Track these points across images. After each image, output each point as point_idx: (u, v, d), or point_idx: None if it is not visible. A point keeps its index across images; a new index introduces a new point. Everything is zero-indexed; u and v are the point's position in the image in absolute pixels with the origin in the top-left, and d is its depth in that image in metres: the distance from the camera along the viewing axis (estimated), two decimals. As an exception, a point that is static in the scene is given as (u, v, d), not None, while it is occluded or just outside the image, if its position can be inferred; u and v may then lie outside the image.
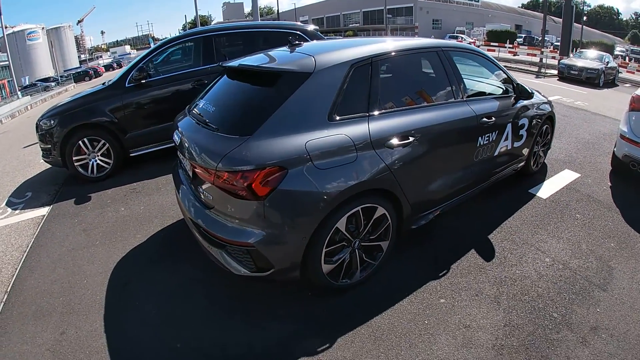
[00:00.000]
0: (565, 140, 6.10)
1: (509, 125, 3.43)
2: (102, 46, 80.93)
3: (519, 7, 68.40)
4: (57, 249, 3.11)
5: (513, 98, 3.52)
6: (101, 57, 59.41)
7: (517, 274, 2.82)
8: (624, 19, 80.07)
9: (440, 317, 2.34)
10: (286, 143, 1.98)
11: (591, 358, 2.16)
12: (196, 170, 2.20)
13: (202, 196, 2.21)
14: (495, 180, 3.65)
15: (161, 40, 5.05)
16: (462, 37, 34.26)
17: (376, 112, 2.34)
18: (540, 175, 4.59)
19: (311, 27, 5.59)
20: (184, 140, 2.36)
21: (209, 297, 2.50)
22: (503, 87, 3.53)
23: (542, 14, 57.58)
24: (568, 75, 14.97)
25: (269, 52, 2.81)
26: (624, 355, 2.19)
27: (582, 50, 18.23)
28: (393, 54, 2.56)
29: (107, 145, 4.34)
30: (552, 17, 57.34)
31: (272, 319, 2.29)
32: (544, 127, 4.25)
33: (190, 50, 4.99)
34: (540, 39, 38.24)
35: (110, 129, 4.30)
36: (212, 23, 69.73)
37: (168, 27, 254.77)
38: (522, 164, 4.04)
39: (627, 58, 25.49)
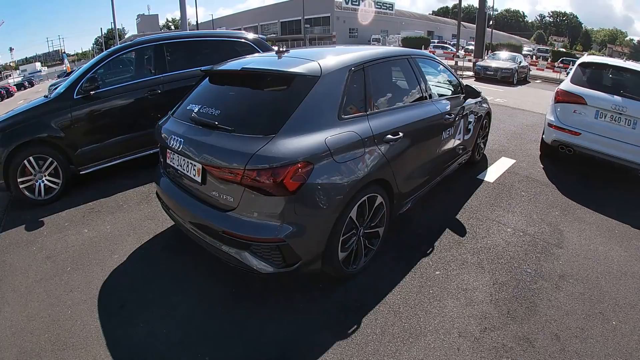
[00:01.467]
0: (495, 132, 7.12)
1: (462, 121, 4.07)
2: (11, 64, 71.77)
3: (429, 14, 76.05)
4: (22, 282, 2.82)
5: (462, 97, 4.16)
6: (10, 75, 52.80)
7: (489, 243, 3.34)
8: (529, 20, 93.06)
9: (441, 285, 2.72)
10: (309, 140, 2.19)
11: (567, 298, 2.71)
12: (212, 172, 2.24)
13: (220, 198, 2.25)
14: (452, 170, 4.24)
15: (111, 48, 4.84)
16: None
17: (372, 112, 2.70)
18: (482, 164, 5.36)
19: (253, 36, 5.84)
20: (188, 144, 2.39)
21: (222, 305, 2.51)
22: (453, 88, 4.16)
23: (452, 20, 64.51)
24: (484, 76, 17.11)
25: (259, 58, 3.07)
26: (591, 292, 2.79)
27: (495, 52, 20.94)
28: (378, 60, 2.93)
29: (56, 163, 4.03)
30: (463, 23, 64.62)
31: (294, 314, 2.42)
32: (484, 122, 5.02)
33: (141, 59, 4.89)
34: (452, 43, 43.01)
35: (59, 145, 4.03)
36: (126, 36, 65.91)
37: (81, 42, 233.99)
38: (469, 154, 4.72)
39: (534, 57, 29.73)
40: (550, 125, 5.16)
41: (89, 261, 3.06)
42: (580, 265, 3.13)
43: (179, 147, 2.45)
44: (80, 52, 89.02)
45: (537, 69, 22.73)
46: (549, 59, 33.98)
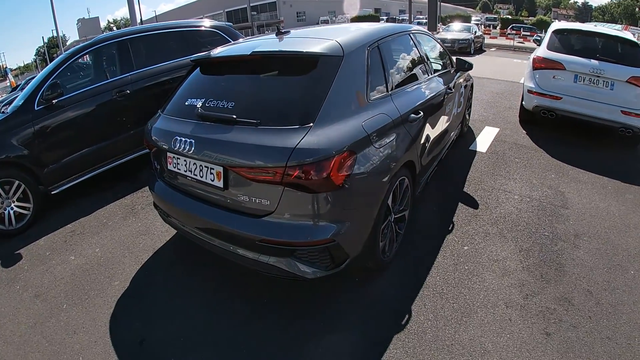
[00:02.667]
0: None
1: (457, 94, 4.21)
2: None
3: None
4: (13, 330, 2.46)
5: (453, 70, 4.30)
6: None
7: (502, 212, 3.53)
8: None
9: (473, 260, 2.86)
10: (348, 126, 2.07)
11: (587, 255, 2.94)
12: (242, 174, 2.03)
13: (251, 203, 2.06)
14: (452, 144, 4.40)
15: (68, 51, 4.43)
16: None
17: (393, 91, 2.67)
18: (470, 135, 5.60)
19: (221, 24, 5.66)
20: (202, 146, 2.16)
21: (268, 324, 2.32)
22: (447, 61, 4.29)
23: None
24: (442, 48, 17.59)
25: (260, 41, 2.82)
26: (605, 247, 3.05)
27: (449, 24, 21.61)
28: (388, 36, 2.87)
29: (23, 186, 3.64)
30: (407, -2, 65.76)
31: (343, 316, 2.35)
32: (469, 93, 5.23)
33: (104, 59, 4.56)
34: (399, 18, 43.89)
35: (24, 165, 3.67)
36: (68, 43, 61.27)
37: (22, 54, 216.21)
38: (459, 127, 4.91)
39: (483, 26, 30.93)
40: (530, 92, 5.46)
41: (87, 293, 2.73)
42: (588, 223, 3.39)
43: (189, 150, 2.19)
44: (23, 64, 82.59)
45: (490, 37, 23.67)
46: (498, 27, 35.49)
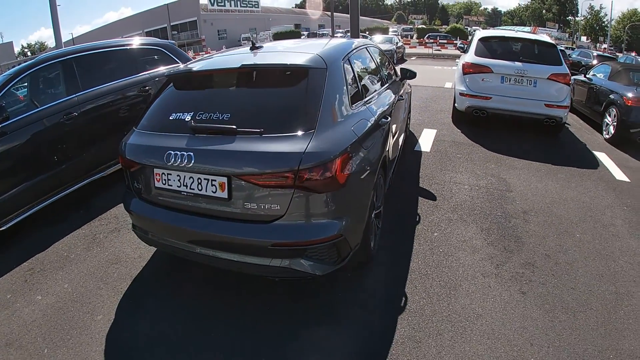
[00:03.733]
0: (410, 107, 8.08)
1: (404, 101, 4.67)
2: None
3: (292, 7, 79.06)
4: None
5: (399, 79, 4.76)
6: None
7: (458, 200, 3.97)
8: (389, 3, 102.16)
9: (445, 243, 3.20)
10: (342, 130, 2.30)
11: (537, 227, 3.46)
12: (252, 181, 2.12)
13: (260, 209, 2.14)
14: (402, 145, 4.82)
15: (8, 72, 4.06)
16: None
17: (366, 99, 2.94)
18: (412, 137, 6.13)
19: (164, 42, 5.61)
20: (205, 158, 2.20)
21: (286, 333, 2.34)
22: (393, 71, 4.72)
23: (316, 11, 68.01)
24: (367, 60, 18.71)
25: (240, 56, 2.91)
26: (551, 219, 3.60)
27: (371, 37, 22.99)
28: (353, 50, 3.15)
29: None
30: (326, 12, 68.76)
31: (346, 308, 2.50)
32: (409, 100, 5.77)
33: (48, 79, 4.30)
34: (320, 33, 45.80)
35: None
36: None
37: None
38: (405, 130, 5.38)
39: (401, 37, 33.28)
40: (462, 94, 6.14)
41: (68, 333, 2.50)
42: (532, 201, 3.96)
43: (187, 164, 2.21)
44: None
45: (410, 47, 25.61)
46: (414, 37, 38.50)
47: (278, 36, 41.06)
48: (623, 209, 3.91)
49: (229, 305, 2.59)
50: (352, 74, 2.88)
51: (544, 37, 6.57)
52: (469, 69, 6.02)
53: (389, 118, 3.20)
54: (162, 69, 5.01)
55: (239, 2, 48.64)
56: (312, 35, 44.39)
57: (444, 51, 26.26)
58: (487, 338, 2.22)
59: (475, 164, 4.98)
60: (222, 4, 46.78)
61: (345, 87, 2.58)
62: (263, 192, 2.13)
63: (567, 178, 4.62)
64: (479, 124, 6.59)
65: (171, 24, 40.90)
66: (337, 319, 2.40)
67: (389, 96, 3.64)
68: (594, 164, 5.20)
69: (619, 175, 4.81)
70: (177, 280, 2.91)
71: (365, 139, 2.52)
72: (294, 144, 2.10)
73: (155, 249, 3.21)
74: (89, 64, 4.45)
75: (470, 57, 6.15)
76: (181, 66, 2.92)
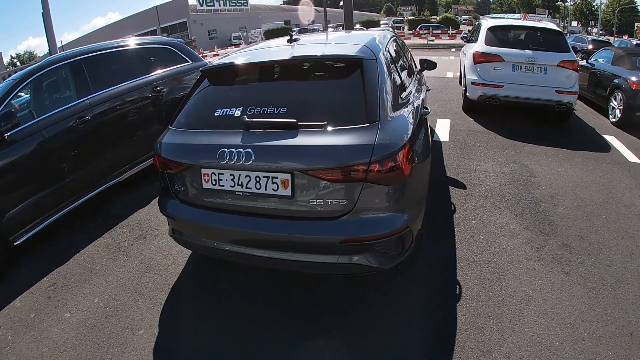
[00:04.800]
0: (419, 99, 8.23)
1: (425, 91, 4.82)
2: None
3: (281, 4, 78.71)
4: None
5: (419, 70, 4.89)
6: None
7: (487, 188, 4.14)
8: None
9: (484, 230, 3.37)
10: (401, 121, 2.27)
11: (566, 210, 3.65)
12: (320, 176, 2.06)
13: (327, 205, 2.10)
14: None
15: (14, 75, 3.79)
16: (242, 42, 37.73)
17: (407, 90, 2.91)
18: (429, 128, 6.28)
19: (174, 40, 5.53)
20: (266, 154, 2.13)
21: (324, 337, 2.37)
22: (414, 62, 4.87)
23: (306, 7, 67.72)
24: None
25: (278, 46, 2.91)
26: (577, 202, 3.79)
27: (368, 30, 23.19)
28: (388, 42, 3.11)
29: None
30: (316, 8, 68.61)
31: (409, 308, 2.60)
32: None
33: (58, 83, 4.14)
34: (311, 28, 45.83)
35: None
36: None
37: None
38: None
39: (393, 28, 33.45)
40: (473, 83, 6.29)
41: (108, 352, 2.34)
42: (556, 186, 4.14)
43: (246, 161, 2.12)
44: None
45: (404, 38, 25.68)
46: (406, 28, 38.58)
47: (269, 33, 40.96)
48: (641, 189, 4.11)
49: (272, 308, 2.57)
50: (392, 65, 2.84)
51: (551, 25, 6.74)
52: (480, 58, 6.17)
53: (429, 109, 3.31)
54: (173, 68, 4.99)
55: (228, 2, 48.44)
56: (303, 30, 44.42)
57: (437, 41, 26.37)
58: (543, 318, 2.39)
59: (495, 152, 5.16)
60: (212, 4, 46.58)
61: (391, 78, 2.53)
62: (330, 187, 2.07)
63: (584, 162, 4.81)
64: (490, 112, 6.74)
65: (161, 26, 40.69)
66: (402, 312, 2.51)
67: (420, 87, 3.76)
68: (606, 147, 5.40)
69: (631, 157, 5.01)
70: (215, 285, 2.85)
71: (419, 130, 2.53)
72: (362, 136, 2.05)
73: (189, 253, 3.17)
74: (99, 64, 4.32)
75: (480, 46, 6.29)
76: (217, 61, 2.84)
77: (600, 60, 7.62)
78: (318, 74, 2.50)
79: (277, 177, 2.12)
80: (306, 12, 54.40)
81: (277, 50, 2.82)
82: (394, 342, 2.27)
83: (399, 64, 3.30)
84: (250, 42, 35.78)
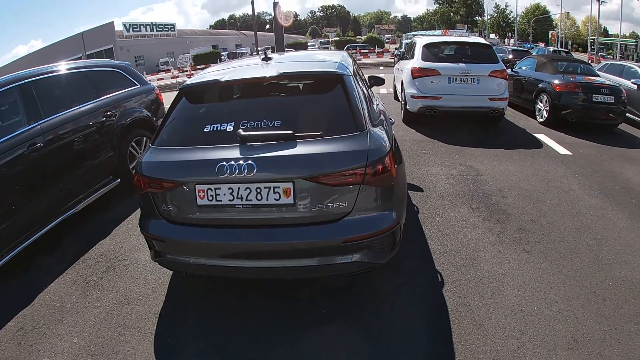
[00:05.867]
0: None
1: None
2: None
3: (207, 28, 78.55)
4: None
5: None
6: None
7: (442, 189, 4.52)
8: (302, 18, 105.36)
9: (448, 224, 3.68)
10: (381, 129, 2.54)
11: (514, 200, 4.12)
12: (322, 183, 2.19)
13: (328, 209, 2.23)
14: None
15: None
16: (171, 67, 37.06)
17: (374, 103, 3.26)
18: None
19: (121, 63, 5.43)
20: (267, 165, 2.20)
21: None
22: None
23: (232, 31, 68.17)
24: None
25: (253, 64, 3.09)
26: (522, 193, 4.29)
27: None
28: (349, 59, 3.46)
29: None
30: (243, 32, 69.42)
31: (396, 298, 2.75)
32: None
33: (4, 107, 3.79)
34: (240, 52, 46.42)
35: None
36: None
37: None
38: None
39: (320, 49, 34.82)
40: (413, 97, 6.83)
41: None
42: (502, 181, 4.64)
43: (248, 173, 2.18)
44: None
45: (335, 60, 26.79)
46: (333, 49, 40.32)
47: (198, 58, 40.67)
48: (575, 177, 4.74)
49: (269, 322, 2.57)
50: (360, 81, 3.17)
51: (480, 39, 7.56)
52: (418, 73, 6.73)
53: (392, 119, 3.62)
54: (123, 92, 4.91)
55: (154, 27, 47.78)
56: (232, 55, 44.64)
57: (365, 60, 27.85)
58: (518, 290, 2.71)
59: (442, 157, 5.62)
60: (138, 29, 45.77)
61: (364, 92, 2.82)
62: (331, 192, 2.20)
63: (522, 159, 5.42)
64: (428, 122, 7.28)
65: (86, 53, 38.83)
66: (398, 304, 2.66)
67: (376, 100, 4.08)
68: (538, 144, 6.13)
69: (562, 150, 5.75)
70: (205, 307, 2.78)
71: (393, 136, 2.82)
72: (356, 143, 2.24)
73: (168, 279, 3.08)
74: (49, 87, 4.12)
75: (417, 62, 6.86)
76: (195, 79, 2.88)
77: (524, 67, 8.65)
78: (304, 88, 2.72)
79: (278, 187, 2.20)
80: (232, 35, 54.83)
81: (258, 67, 2.92)
82: (389, 333, 2.41)
83: (361, 80, 3.62)
84: (179, 68, 35.26)
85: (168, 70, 33.35)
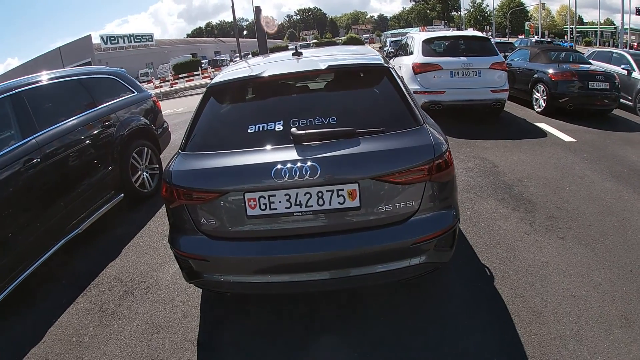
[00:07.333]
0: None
1: None
2: None
3: (185, 37, 77.95)
4: None
5: None
6: None
7: (465, 182, 4.62)
8: (279, 22, 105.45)
9: (481, 217, 3.77)
10: (432, 123, 2.50)
11: (536, 188, 4.26)
12: (391, 181, 2.06)
13: (395, 209, 2.10)
14: None
15: None
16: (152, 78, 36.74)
17: None
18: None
19: (116, 70, 5.21)
20: (332, 167, 2.04)
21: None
22: None
23: (210, 39, 67.76)
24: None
25: (283, 59, 2.89)
26: (541, 181, 4.43)
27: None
28: None
29: None
30: (222, 39, 69.12)
31: (459, 298, 2.75)
32: None
33: None
34: (220, 59, 46.36)
35: None
36: None
37: None
38: None
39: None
40: (416, 92, 6.92)
41: None
42: (519, 171, 4.79)
43: (311, 176, 2.00)
44: None
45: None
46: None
47: (178, 67, 40.35)
48: (585, 162, 4.93)
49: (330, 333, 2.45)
50: None
51: (478, 33, 7.73)
52: (420, 69, 6.85)
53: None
54: (119, 100, 4.64)
55: (132, 38, 47.50)
56: (212, 62, 44.48)
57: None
58: (563, 275, 2.82)
59: (454, 151, 5.52)
60: (116, 41, 45.59)
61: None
62: (397, 191, 2.08)
63: (530, 148, 5.59)
64: (430, 117, 7.40)
65: (65, 68, 38.25)
66: (454, 302, 2.66)
67: None
68: (542, 133, 6.33)
69: (566, 138, 5.95)
70: (245, 329, 2.54)
71: None
72: (419, 137, 2.14)
73: (199, 300, 2.82)
74: (44, 97, 3.80)
75: (418, 58, 6.96)
76: (224, 77, 2.64)
77: (517, 59, 8.89)
78: (352, 82, 2.53)
79: (342, 189, 2.03)
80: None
81: (294, 62, 2.70)
82: (456, 331, 2.43)
83: None
84: (162, 77, 34.89)
85: (149, 81, 32.91)
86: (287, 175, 2.00)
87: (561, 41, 29.79)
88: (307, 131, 2.11)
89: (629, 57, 8.47)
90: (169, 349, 2.40)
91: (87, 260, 3.54)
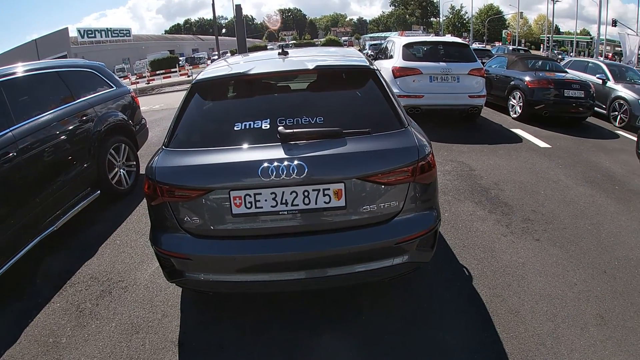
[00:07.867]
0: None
1: None
2: None
3: (163, 33, 76.55)
4: None
5: None
6: None
7: (442, 185, 4.67)
8: (259, 22, 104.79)
9: (459, 219, 3.85)
10: (417, 126, 2.53)
11: (512, 191, 4.37)
12: (376, 182, 2.09)
13: (380, 209, 2.13)
14: None
15: None
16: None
17: None
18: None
19: (95, 63, 5.03)
20: (318, 166, 2.04)
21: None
22: None
23: (188, 35, 66.81)
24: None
25: (272, 59, 2.82)
26: (517, 185, 4.55)
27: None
28: None
29: None
30: (200, 36, 68.17)
31: (440, 297, 2.78)
32: None
33: None
34: (198, 57, 45.88)
35: None
36: None
37: None
38: None
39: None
40: (397, 96, 7.03)
41: None
42: (495, 174, 4.91)
43: (298, 175, 2.00)
44: None
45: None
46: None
47: (155, 64, 39.63)
48: (559, 168, 5.09)
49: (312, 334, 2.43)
50: None
51: (458, 39, 7.90)
52: (400, 73, 6.93)
53: None
54: (98, 94, 4.53)
55: (110, 32, 46.46)
56: (190, 59, 43.95)
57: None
58: (539, 275, 2.90)
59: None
60: (93, 35, 44.53)
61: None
62: (382, 191, 2.12)
63: (506, 153, 5.74)
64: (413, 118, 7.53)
65: (41, 60, 36.99)
66: (434, 300, 2.69)
67: None
68: (518, 138, 6.51)
69: (541, 144, 6.14)
70: (230, 328, 2.50)
71: None
72: (405, 139, 2.18)
73: (179, 299, 2.77)
74: (21, 89, 3.68)
75: (398, 62, 7.05)
76: (210, 73, 2.61)
77: (494, 66, 9.12)
78: (339, 83, 2.55)
79: (328, 189, 2.04)
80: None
81: (280, 61, 2.70)
82: (436, 330, 2.45)
83: None
84: (138, 74, 34.18)
85: (125, 77, 32.13)
86: (274, 173, 2.00)
87: (523, 49, 30.89)
88: (295, 130, 2.12)
89: (604, 67, 8.84)
90: (149, 350, 2.34)
91: (63, 258, 3.44)
